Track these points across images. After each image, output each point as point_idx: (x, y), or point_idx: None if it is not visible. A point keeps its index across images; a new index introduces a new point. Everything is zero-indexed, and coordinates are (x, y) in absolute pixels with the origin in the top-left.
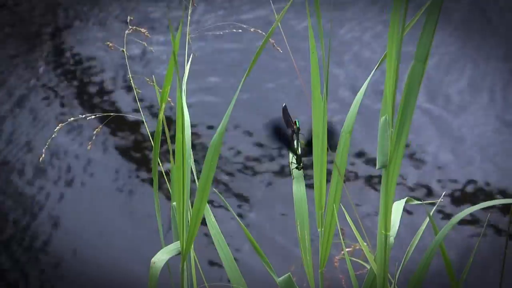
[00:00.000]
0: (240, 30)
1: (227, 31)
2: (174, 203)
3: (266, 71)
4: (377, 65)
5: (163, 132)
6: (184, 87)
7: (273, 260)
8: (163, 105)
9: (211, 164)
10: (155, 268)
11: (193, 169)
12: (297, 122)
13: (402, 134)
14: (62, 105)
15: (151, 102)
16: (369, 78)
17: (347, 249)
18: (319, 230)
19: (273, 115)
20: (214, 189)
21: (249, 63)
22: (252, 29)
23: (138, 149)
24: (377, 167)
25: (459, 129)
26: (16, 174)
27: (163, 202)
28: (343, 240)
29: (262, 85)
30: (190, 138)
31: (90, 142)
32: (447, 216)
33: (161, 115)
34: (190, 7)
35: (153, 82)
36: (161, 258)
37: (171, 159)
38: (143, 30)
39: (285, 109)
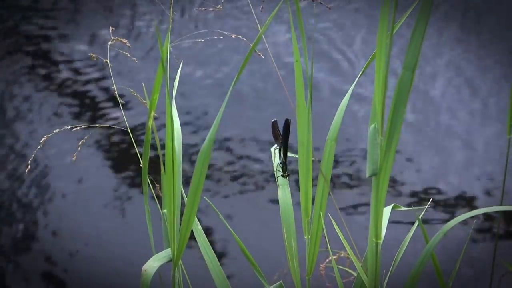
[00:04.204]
0: (221, 37)
1: (207, 38)
2: (165, 211)
3: (250, 82)
4: (361, 71)
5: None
6: (174, 93)
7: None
8: (152, 113)
9: (201, 171)
10: (147, 275)
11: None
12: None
13: (392, 142)
14: (48, 115)
15: (139, 112)
16: (353, 85)
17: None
18: (305, 237)
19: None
20: (205, 197)
21: (233, 72)
22: (233, 35)
23: (129, 159)
24: (367, 175)
25: (444, 133)
26: (5, 184)
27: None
28: (330, 248)
29: (246, 95)
30: (180, 145)
31: (75, 154)
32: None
33: (150, 123)
34: (170, 15)
35: (138, 93)
36: (152, 265)
37: (161, 166)
38: (124, 40)
39: (274, 124)
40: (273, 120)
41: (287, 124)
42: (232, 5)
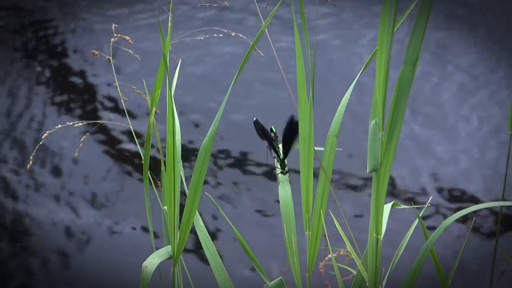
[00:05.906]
0: (221, 35)
1: (207, 36)
2: (165, 207)
3: (253, 78)
4: (363, 66)
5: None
6: (173, 90)
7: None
8: (153, 109)
9: (202, 168)
10: (147, 272)
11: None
12: (273, 129)
13: (392, 137)
14: (50, 112)
15: (140, 108)
16: (355, 81)
17: (330, 256)
18: (306, 233)
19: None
20: (206, 193)
21: (234, 68)
22: (233, 33)
23: (130, 155)
24: (367, 170)
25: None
26: (6, 181)
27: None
28: (330, 245)
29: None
30: (180, 142)
31: (77, 150)
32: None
33: (152, 119)
34: (170, 14)
35: (141, 90)
36: (152, 262)
37: (162, 163)
38: (127, 37)
39: (256, 122)
40: (254, 120)
41: (291, 122)
42: (235, 2)
